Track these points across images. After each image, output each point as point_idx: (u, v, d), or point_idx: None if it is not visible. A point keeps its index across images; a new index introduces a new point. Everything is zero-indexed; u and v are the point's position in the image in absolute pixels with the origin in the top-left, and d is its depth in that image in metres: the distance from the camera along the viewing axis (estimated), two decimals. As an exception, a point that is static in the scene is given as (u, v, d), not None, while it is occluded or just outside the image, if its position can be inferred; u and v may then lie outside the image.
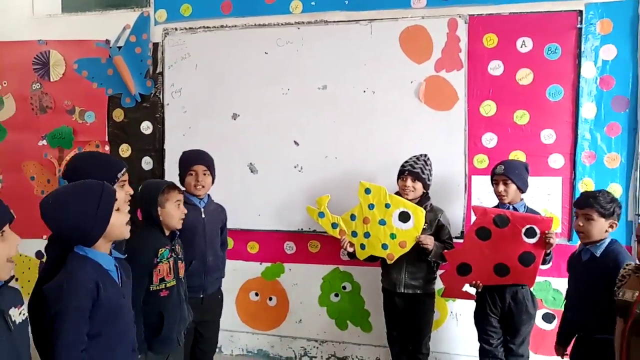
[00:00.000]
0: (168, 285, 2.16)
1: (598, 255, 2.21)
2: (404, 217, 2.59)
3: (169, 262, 2.17)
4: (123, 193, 1.81)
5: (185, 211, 2.30)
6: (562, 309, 2.93)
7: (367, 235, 2.66)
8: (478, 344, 2.75)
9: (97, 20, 3.61)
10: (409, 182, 2.65)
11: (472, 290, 2.65)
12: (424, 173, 2.66)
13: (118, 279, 1.69)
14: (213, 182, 2.72)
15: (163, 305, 2.14)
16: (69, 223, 1.56)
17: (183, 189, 2.67)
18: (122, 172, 1.96)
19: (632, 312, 1.86)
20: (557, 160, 2.97)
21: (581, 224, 2.23)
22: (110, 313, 1.61)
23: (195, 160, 2.66)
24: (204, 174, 2.64)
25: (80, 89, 3.63)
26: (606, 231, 2.23)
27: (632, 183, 2.88)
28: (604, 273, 2.12)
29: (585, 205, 2.23)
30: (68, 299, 1.51)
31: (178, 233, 2.31)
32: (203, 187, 2.64)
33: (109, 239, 1.65)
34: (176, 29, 3.47)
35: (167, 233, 2.24)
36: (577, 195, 2.90)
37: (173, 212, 2.23)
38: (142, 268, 2.05)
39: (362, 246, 2.68)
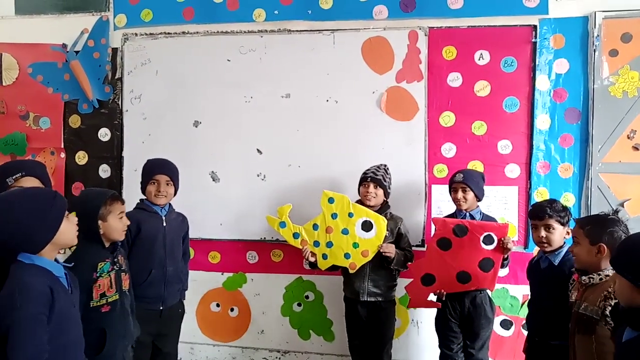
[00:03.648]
0: (110, 300, 2.06)
1: (556, 264, 2.26)
2: (367, 226, 2.61)
3: (109, 275, 2.07)
4: None
5: (128, 222, 2.20)
6: (521, 316, 3.04)
7: (329, 244, 2.66)
8: (439, 351, 2.79)
9: (53, 23, 3.49)
10: (372, 189, 2.68)
11: (436, 299, 2.69)
12: (385, 180, 2.70)
13: (68, 286, 1.62)
14: (176, 192, 2.68)
15: (104, 321, 2.03)
16: (15, 226, 1.49)
17: (144, 197, 2.64)
18: (15, 176, 1.87)
19: (573, 311, 1.94)
20: (513, 170, 3.05)
21: (544, 235, 2.27)
22: (62, 322, 1.52)
23: (159, 170, 2.61)
24: (167, 184, 2.61)
25: (34, 94, 3.50)
26: (564, 238, 2.29)
27: (584, 192, 2.98)
28: (560, 280, 2.17)
29: (544, 215, 2.28)
30: (23, 308, 1.42)
31: (120, 243, 2.22)
32: (165, 197, 2.60)
33: (57, 246, 1.60)
34: (136, 34, 3.40)
35: (107, 245, 2.13)
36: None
37: (116, 225, 2.12)
38: (80, 285, 1.90)
39: (324, 256, 2.68)
